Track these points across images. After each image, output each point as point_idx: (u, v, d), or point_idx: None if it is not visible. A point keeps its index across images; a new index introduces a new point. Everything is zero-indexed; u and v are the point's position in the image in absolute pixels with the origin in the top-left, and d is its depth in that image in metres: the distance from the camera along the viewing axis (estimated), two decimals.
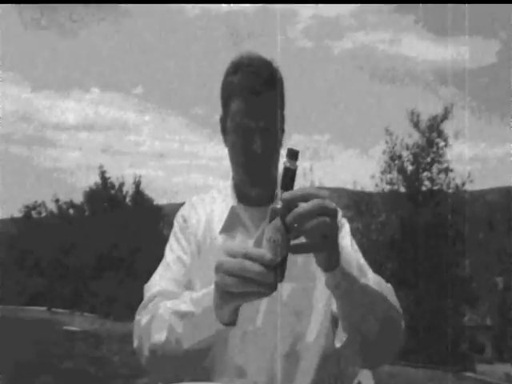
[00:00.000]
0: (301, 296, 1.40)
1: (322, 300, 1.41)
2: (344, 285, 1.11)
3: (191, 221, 1.54)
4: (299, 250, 1.04)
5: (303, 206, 0.99)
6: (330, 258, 1.08)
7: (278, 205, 1.03)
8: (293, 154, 1.06)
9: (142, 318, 1.34)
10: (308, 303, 1.40)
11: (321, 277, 1.39)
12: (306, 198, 1.00)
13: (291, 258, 1.49)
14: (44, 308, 18.66)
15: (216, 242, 1.48)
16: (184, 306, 1.22)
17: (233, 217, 1.49)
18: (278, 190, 1.05)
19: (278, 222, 1.02)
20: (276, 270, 1.03)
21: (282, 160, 1.06)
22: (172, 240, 1.55)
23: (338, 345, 1.26)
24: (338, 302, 1.18)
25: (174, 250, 1.52)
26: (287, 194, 1.01)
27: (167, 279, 1.45)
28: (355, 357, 1.28)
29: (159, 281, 1.45)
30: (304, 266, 1.40)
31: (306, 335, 1.40)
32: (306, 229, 0.99)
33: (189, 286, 1.45)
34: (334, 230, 1.03)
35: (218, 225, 1.50)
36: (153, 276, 1.50)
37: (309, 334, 1.40)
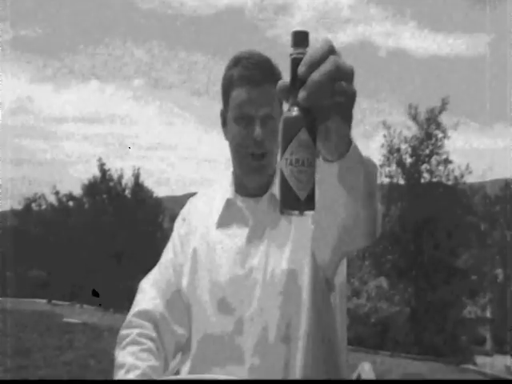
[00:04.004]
0: (289, 279, 1.43)
1: (309, 281, 1.43)
2: (355, 171, 1.00)
3: (192, 221, 1.62)
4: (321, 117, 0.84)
5: (312, 51, 0.80)
6: (343, 138, 0.91)
7: (294, 111, 0.80)
8: (299, 39, 0.81)
9: (118, 345, 1.47)
10: (296, 285, 1.43)
11: (308, 259, 1.43)
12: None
13: (281, 245, 1.45)
14: (44, 300, 18.67)
15: (213, 237, 1.54)
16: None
17: (228, 209, 1.55)
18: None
19: (303, 134, 0.79)
20: (307, 199, 0.82)
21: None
22: (170, 241, 1.65)
23: (313, 225, 1.31)
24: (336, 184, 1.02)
25: (168, 252, 1.62)
26: (302, 91, 0.79)
27: (158, 287, 1.56)
28: (330, 237, 1.24)
29: (150, 289, 1.56)
30: (292, 249, 1.45)
31: (297, 318, 1.42)
32: (323, 90, 0.79)
33: (179, 285, 1.55)
34: (352, 95, 0.84)
35: (216, 219, 1.56)
36: (148, 274, 1.62)
37: (299, 317, 1.42)
